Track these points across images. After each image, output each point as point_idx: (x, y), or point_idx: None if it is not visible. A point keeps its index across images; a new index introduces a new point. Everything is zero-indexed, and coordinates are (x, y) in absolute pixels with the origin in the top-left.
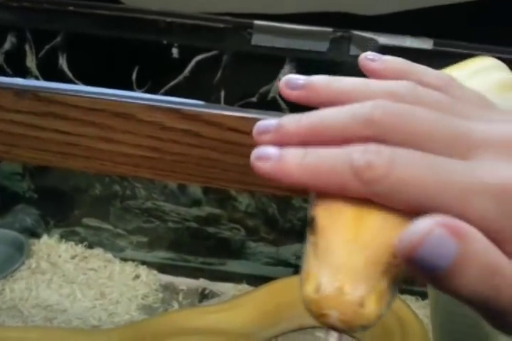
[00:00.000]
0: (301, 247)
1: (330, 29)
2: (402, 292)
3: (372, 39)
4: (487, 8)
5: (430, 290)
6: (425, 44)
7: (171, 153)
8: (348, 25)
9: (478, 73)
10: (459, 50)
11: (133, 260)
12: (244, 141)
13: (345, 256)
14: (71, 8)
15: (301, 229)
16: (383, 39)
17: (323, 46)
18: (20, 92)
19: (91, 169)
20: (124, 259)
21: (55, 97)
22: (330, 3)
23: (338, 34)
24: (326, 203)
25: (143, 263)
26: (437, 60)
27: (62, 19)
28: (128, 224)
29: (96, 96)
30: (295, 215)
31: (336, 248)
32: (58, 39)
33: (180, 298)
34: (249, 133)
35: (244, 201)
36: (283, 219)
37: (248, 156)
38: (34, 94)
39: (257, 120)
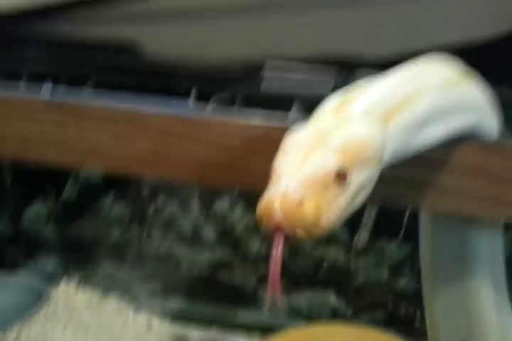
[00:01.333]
0: (313, 295)
1: (335, 70)
2: None
3: None
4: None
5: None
6: None
7: (173, 154)
8: (354, 66)
9: (426, 72)
10: None
11: (146, 308)
12: (234, 143)
13: (291, 174)
14: (100, 59)
15: (312, 276)
16: None
17: (328, 86)
18: (48, 103)
19: (105, 170)
20: (138, 307)
21: (76, 107)
22: (336, 47)
23: (344, 72)
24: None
25: (155, 312)
26: None
27: (91, 70)
28: (143, 270)
29: (110, 106)
30: (306, 261)
31: (285, 170)
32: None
33: None
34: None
35: (255, 245)
36: (294, 265)
37: (236, 157)
38: (59, 105)
39: (244, 125)
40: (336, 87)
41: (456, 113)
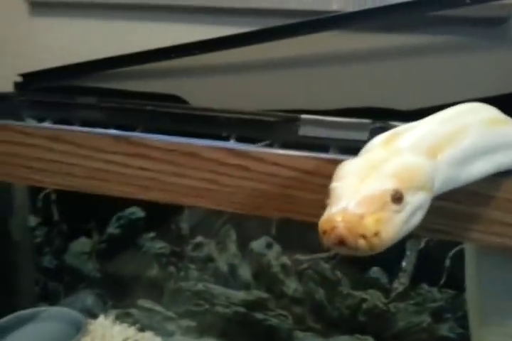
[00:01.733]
0: (351, 339)
1: (369, 120)
2: None
3: None
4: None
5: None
6: None
7: (226, 185)
8: (386, 118)
9: (468, 112)
10: None
11: None
12: (284, 173)
13: (350, 195)
14: (149, 107)
15: (350, 319)
16: None
17: (363, 135)
18: (116, 137)
19: (163, 200)
20: None
21: (141, 141)
22: (371, 100)
23: (377, 125)
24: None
25: None
26: None
27: (141, 117)
28: (179, 307)
29: (171, 140)
30: (343, 303)
31: (343, 193)
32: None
33: None
34: (289, 167)
35: (291, 285)
36: (331, 307)
37: (288, 187)
38: (126, 139)
39: (295, 156)
40: (370, 132)
41: (501, 149)
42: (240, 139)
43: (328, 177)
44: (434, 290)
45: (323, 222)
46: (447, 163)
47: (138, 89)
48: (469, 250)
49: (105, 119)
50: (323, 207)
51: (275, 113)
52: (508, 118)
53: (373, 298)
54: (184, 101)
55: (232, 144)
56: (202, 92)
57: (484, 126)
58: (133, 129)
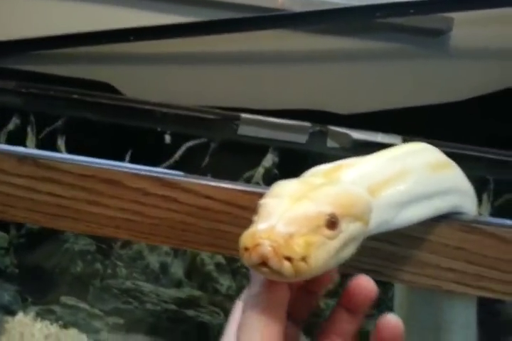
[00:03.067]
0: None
1: (309, 124)
2: None
3: (346, 134)
4: (449, 111)
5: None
6: (395, 140)
7: (151, 216)
8: (325, 121)
9: (414, 154)
10: None
11: None
12: (217, 207)
13: (281, 213)
14: (75, 96)
15: None
16: (356, 134)
17: (302, 138)
18: (22, 158)
19: (77, 230)
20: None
21: (51, 164)
22: (311, 102)
23: (317, 128)
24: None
25: None
26: None
27: (66, 105)
28: (105, 305)
29: (87, 163)
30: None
31: (274, 210)
32: (59, 123)
33: None
34: (221, 201)
35: (225, 283)
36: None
37: (219, 221)
38: (34, 160)
39: (229, 189)
40: (310, 135)
41: (440, 194)
42: (176, 136)
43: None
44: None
45: (246, 237)
46: (385, 204)
47: (64, 73)
48: (398, 285)
49: (24, 106)
50: None
51: (214, 110)
52: (451, 161)
53: None
54: (116, 91)
55: (159, 172)
56: (137, 82)
57: (426, 171)
58: (56, 118)
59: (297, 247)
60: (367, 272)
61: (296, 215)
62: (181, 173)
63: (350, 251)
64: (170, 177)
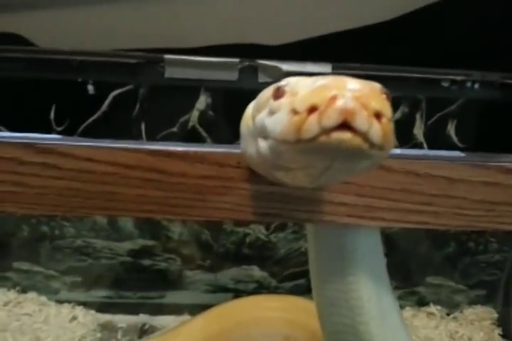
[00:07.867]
0: (238, 271)
1: (237, 59)
2: None
3: (276, 67)
4: (376, 34)
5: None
6: (324, 68)
7: (34, 186)
8: (254, 55)
9: None
10: (355, 72)
11: (69, 301)
12: (101, 169)
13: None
14: None
15: (236, 253)
16: (286, 66)
17: (233, 75)
18: None
19: None
20: (60, 301)
21: None
22: (237, 35)
23: (246, 64)
24: None
25: (79, 303)
26: None
27: None
28: (60, 265)
29: None
30: (228, 239)
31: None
32: None
33: (119, 336)
34: (104, 162)
35: (176, 230)
36: (217, 245)
37: (106, 183)
38: None
39: (109, 148)
40: (240, 71)
41: None
42: (99, 85)
43: (151, 170)
44: None
45: (311, 94)
46: None
47: None
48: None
49: None
50: (149, 201)
51: (136, 53)
52: None
53: (255, 231)
54: (27, 42)
55: (32, 138)
56: (48, 30)
57: None
58: None
59: (386, 104)
60: (266, 216)
61: (357, 82)
62: (58, 137)
63: None
64: (44, 142)
